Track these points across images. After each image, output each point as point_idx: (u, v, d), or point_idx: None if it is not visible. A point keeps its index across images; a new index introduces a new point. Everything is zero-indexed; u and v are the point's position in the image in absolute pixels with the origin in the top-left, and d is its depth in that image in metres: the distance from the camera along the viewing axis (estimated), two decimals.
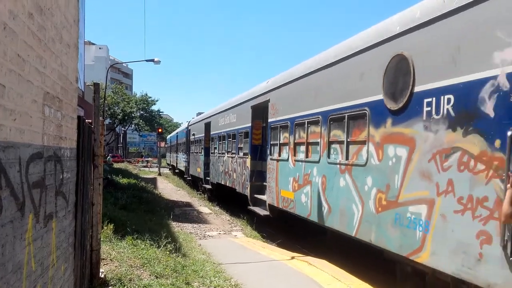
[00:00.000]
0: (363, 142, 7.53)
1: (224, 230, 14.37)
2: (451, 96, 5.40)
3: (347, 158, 8.08)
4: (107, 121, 55.84)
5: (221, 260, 9.29)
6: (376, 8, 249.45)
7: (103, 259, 7.48)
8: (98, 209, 6.60)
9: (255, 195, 14.28)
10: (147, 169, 55.26)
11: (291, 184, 10.90)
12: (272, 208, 12.52)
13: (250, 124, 14.94)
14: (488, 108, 4.83)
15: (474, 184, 4.98)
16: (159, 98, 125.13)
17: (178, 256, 8.87)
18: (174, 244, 9.46)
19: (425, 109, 5.88)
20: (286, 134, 11.38)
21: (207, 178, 22.66)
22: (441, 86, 5.58)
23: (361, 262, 8.44)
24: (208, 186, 22.39)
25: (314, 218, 9.51)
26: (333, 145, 8.78)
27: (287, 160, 11.23)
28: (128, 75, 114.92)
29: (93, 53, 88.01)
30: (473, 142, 5.02)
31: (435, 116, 5.68)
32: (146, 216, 14.34)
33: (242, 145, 16.11)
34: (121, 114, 58.56)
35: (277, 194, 11.96)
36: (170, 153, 50.90)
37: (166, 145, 60.80)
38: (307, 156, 10.02)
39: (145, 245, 9.01)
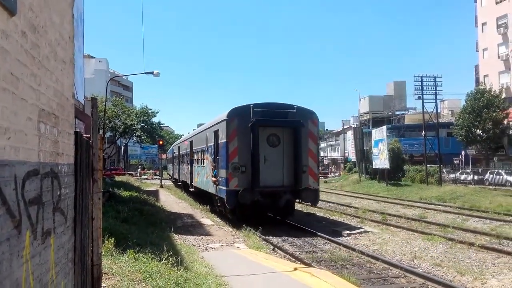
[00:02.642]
0: (204, 159, 23.80)
1: (227, 241, 14.33)
2: (211, 148, 21.60)
3: (202, 164, 24.33)
4: (108, 134, 55.89)
5: (223, 272, 9.25)
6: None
7: (105, 273, 7.44)
8: (98, 223, 6.57)
9: (192, 183, 29.16)
10: (149, 181, 55.26)
11: (196, 175, 27.07)
12: (194, 187, 28.17)
13: (189, 150, 30.53)
14: (209, 152, 22.01)
15: (209, 169, 21.38)
16: (159, 110, 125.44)
17: (180, 269, 8.82)
18: (176, 257, 9.41)
19: (209, 149, 22.07)
20: (195, 155, 28.24)
21: (180, 178, 39.29)
22: (210, 144, 21.81)
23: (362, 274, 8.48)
24: (179, 183, 39.89)
25: (201, 187, 24.59)
26: (202, 160, 24.50)
27: (195, 165, 27.72)
28: (128, 87, 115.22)
29: (93, 67, 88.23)
30: (211, 158, 21.32)
31: (209, 152, 22.03)
32: (148, 229, 14.31)
33: (188, 159, 31.25)
34: (122, 127, 58.60)
35: (194, 180, 28.04)
36: (167, 165, 66.23)
37: (167, 157, 61.24)
38: (198, 164, 26.29)
39: (146, 258, 8.96)
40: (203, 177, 23.64)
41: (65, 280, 4.18)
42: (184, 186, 36.12)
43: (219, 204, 20.13)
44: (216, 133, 20.15)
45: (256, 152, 17.51)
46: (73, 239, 4.60)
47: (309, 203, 20.30)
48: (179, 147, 40.16)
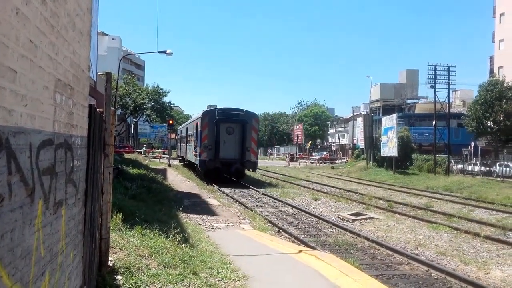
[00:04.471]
0: (192, 140, 35.36)
1: (232, 222, 14.42)
2: (195, 133, 33.64)
3: (191, 144, 35.78)
4: (119, 111, 56.00)
5: (229, 251, 9.32)
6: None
7: (112, 247, 7.53)
8: (108, 198, 6.64)
9: (186, 157, 41.74)
10: (157, 160, 55.51)
11: (188, 151, 38.66)
12: (187, 160, 40.97)
13: (185, 133, 41.38)
14: (194, 136, 34.23)
15: (194, 147, 34.07)
16: (170, 90, 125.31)
17: (186, 246, 8.91)
18: (182, 234, 9.48)
19: (194, 134, 33.67)
20: (188, 137, 39.23)
21: (180, 154, 51.64)
22: (195, 131, 33.81)
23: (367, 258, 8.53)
24: (180, 158, 52.07)
25: (190, 159, 37.71)
26: (191, 141, 36.28)
27: (188, 145, 39.28)
28: (140, 66, 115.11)
29: (106, 44, 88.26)
30: (195, 139, 33.49)
31: (194, 135, 33.67)
32: (155, 207, 14.42)
33: (185, 140, 41.91)
34: (132, 105, 58.66)
35: (187, 156, 40.32)
36: (176, 145, 72.56)
37: (176, 137, 61.37)
38: (189, 144, 37.88)
39: (153, 235, 9.04)
40: (191, 153, 35.41)
41: (74, 251, 4.23)
42: (182, 160, 49.30)
43: (197, 169, 32.41)
44: (197, 124, 31.71)
45: (218, 138, 28.91)
46: (83, 212, 4.64)
47: (251, 170, 30.93)
48: (181, 130, 52.72)
